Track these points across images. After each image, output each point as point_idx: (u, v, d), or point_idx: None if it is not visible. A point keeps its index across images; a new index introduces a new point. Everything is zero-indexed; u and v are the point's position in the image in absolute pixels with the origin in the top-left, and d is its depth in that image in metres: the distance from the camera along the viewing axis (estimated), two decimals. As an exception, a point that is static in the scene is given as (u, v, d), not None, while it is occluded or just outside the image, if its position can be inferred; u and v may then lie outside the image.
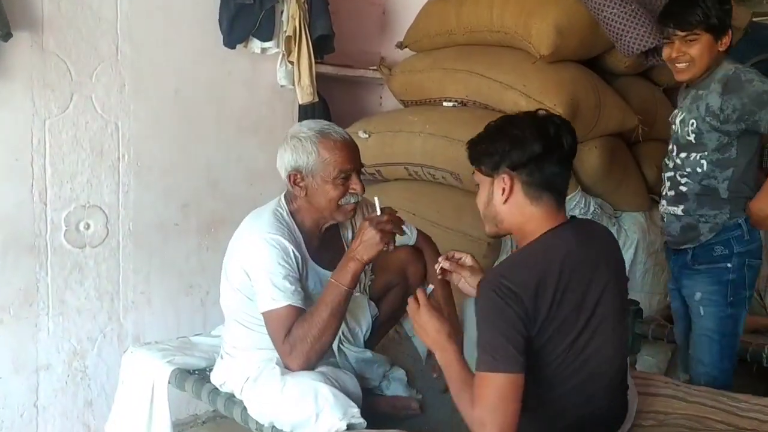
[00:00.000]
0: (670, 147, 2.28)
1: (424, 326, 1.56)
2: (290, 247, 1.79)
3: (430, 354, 2.14)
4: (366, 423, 1.66)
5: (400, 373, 2.05)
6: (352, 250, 1.75)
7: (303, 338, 1.70)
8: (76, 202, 2.49)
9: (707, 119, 2.07)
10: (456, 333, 1.97)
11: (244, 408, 1.82)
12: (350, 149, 1.84)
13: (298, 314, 1.75)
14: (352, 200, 1.85)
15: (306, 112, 3.09)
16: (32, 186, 2.39)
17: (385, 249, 1.75)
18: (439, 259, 1.80)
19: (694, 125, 2.12)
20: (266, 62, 2.91)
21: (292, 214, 1.89)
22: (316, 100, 2.93)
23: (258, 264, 1.79)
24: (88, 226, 2.53)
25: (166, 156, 2.70)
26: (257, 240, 1.80)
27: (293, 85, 2.92)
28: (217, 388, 1.92)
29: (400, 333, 2.25)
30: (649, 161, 3.18)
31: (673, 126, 2.26)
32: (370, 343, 2.06)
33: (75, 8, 2.41)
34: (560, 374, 1.44)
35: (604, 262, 1.51)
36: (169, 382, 2.00)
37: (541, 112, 1.55)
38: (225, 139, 2.86)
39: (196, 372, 2.07)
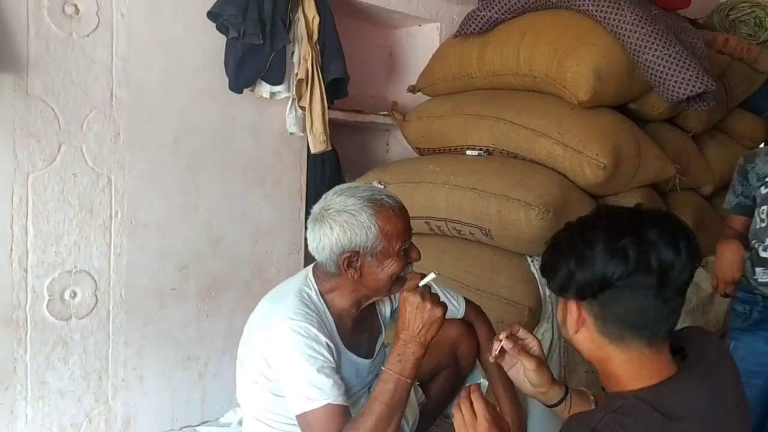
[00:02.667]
0: None
1: None
2: (321, 336, 1.50)
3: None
4: None
5: (450, 470, 1.74)
6: (409, 333, 1.45)
7: None
8: (62, 267, 2.17)
9: None
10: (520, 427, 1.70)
11: None
12: (406, 214, 1.57)
13: (341, 413, 1.44)
14: (409, 270, 1.58)
15: (316, 162, 2.83)
16: (11, 250, 2.07)
17: None
18: (500, 335, 1.37)
19: None
20: (274, 107, 2.64)
21: (322, 294, 1.60)
22: (330, 148, 2.66)
23: (285, 357, 1.48)
24: (74, 295, 2.21)
25: (163, 213, 2.40)
26: (281, 329, 1.49)
27: (303, 132, 2.65)
28: (240, 503, 1.59)
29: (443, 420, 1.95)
30: (683, 212, 2.97)
31: None
32: (416, 436, 1.76)
33: (65, 48, 2.13)
34: None
35: (729, 420, 1.11)
36: (178, 490, 1.66)
37: (642, 212, 1.11)
38: (228, 193, 2.57)
39: (208, 474, 1.74)
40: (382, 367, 1.48)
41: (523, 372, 1.37)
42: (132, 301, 2.34)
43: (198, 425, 2.03)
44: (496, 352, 1.35)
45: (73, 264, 2.20)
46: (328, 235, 1.50)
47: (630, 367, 1.08)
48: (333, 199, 1.54)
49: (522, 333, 1.41)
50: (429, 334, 1.45)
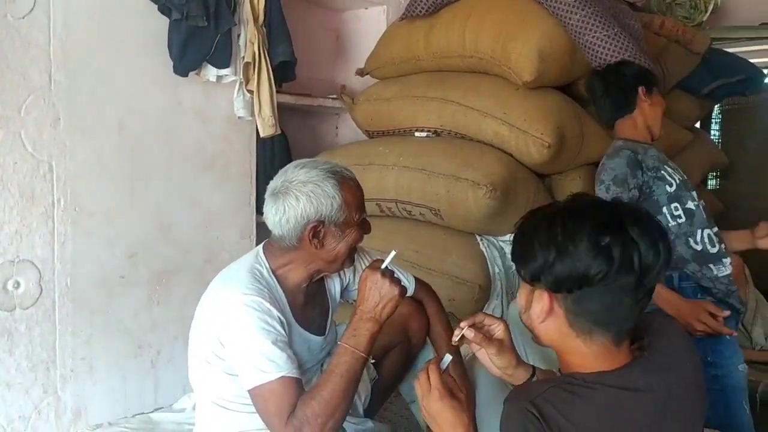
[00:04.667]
0: (696, 201, 2.12)
1: (434, 416, 1.18)
2: (273, 310, 1.52)
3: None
4: None
5: (403, 444, 1.79)
6: (366, 308, 1.49)
7: (313, 417, 1.42)
8: (3, 257, 2.11)
9: None
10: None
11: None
12: (361, 187, 1.62)
13: (295, 386, 1.47)
14: (360, 243, 1.62)
15: (265, 146, 2.81)
16: (-52, 241, 2.01)
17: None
18: (462, 323, 1.36)
19: None
20: (221, 91, 2.61)
21: (273, 270, 1.61)
22: (279, 132, 2.65)
23: (238, 332, 1.50)
24: (17, 285, 2.15)
25: (109, 199, 2.35)
26: (234, 303, 1.51)
27: (252, 116, 2.63)
28: (197, 486, 1.59)
29: (397, 397, 1.99)
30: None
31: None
32: (369, 412, 1.79)
33: (0, 32, 2.06)
34: None
35: (680, 409, 1.11)
36: (132, 477, 1.66)
37: (620, 207, 1.11)
38: (177, 178, 2.53)
39: (163, 459, 1.73)
40: (338, 341, 1.51)
41: (486, 356, 1.37)
42: (78, 290, 2.29)
43: (151, 412, 2.02)
44: (457, 339, 1.36)
45: (15, 253, 2.14)
46: (294, 206, 1.52)
47: (590, 359, 1.09)
48: (295, 171, 1.56)
49: (487, 320, 1.39)
50: (385, 311, 1.49)
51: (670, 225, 2.06)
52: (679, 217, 2.06)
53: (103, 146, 2.32)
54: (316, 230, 1.53)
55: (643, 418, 1.06)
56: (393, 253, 1.56)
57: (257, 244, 2.59)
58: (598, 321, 1.07)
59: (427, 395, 1.18)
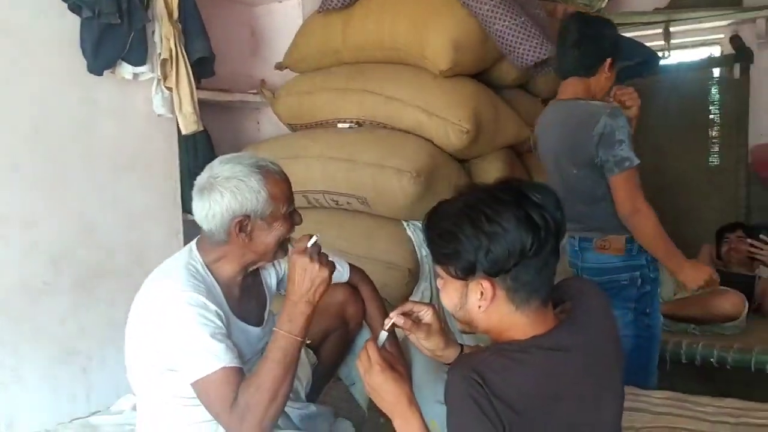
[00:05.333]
0: None
1: (377, 390, 1.23)
2: (210, 304, 1.54)
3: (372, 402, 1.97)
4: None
5: (345, 424, 1.85)
6: (296, 292, 1.52)
7: (254, 404, 1.45)
8: None
9: None
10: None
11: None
12: (288, 179, 1.64)
13: (237, 375, 1.49)
14: (291, 234, 1.65)
15: (188, 143, 2.79)
16: None
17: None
18: (392, 314, 1.38)
19: None
20: (139, 89, 2.58)
21: (207, 265, 1.63)
22: (202, 129, 2.64)
23: (176, 328, 1.51)
24: (-66, 299, 2.07)
25: (27, 205, 2.28)
26: (170, 301, 1.52)
27: (172, 113, 2.61)
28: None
29: (337, 381, 2.05)
30: (539, 171, 3.23)
31: None
32: (311, 396, 1.84)
33: None
34: None
35: (603, 363, 1.23)
36: (76, 482, 1.64)
37: (512, 182, 1.18)
38: (97, 179, 2.48)
39: (106, 462, 1.73)
40: (273, 328, 1.54)
41: (415, 339, 1.40)
42: (0, 300, 2.22)
43: (88, 416, 1.99)
44: (387, 327, 1.36)
45: (-71, 266, 2.06)
46: (219, 201, 1.53)
47: (528, 328, 1.16)
48: (220, 167, 1.57)
49: (416, 308, 1.41)
50: (317, 293, 1.52)
51: None
52: None
53: (18, 150, 2.25)
54: (242, 224, 1.55)
55: (573, 374, 1.16)
56: (314, 237, 1.56)
57: (185, 242, 2.59)
58: (534, 288, 1.15)
59: (369, 371, 1.23)
